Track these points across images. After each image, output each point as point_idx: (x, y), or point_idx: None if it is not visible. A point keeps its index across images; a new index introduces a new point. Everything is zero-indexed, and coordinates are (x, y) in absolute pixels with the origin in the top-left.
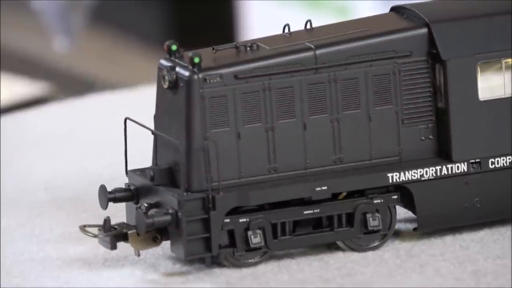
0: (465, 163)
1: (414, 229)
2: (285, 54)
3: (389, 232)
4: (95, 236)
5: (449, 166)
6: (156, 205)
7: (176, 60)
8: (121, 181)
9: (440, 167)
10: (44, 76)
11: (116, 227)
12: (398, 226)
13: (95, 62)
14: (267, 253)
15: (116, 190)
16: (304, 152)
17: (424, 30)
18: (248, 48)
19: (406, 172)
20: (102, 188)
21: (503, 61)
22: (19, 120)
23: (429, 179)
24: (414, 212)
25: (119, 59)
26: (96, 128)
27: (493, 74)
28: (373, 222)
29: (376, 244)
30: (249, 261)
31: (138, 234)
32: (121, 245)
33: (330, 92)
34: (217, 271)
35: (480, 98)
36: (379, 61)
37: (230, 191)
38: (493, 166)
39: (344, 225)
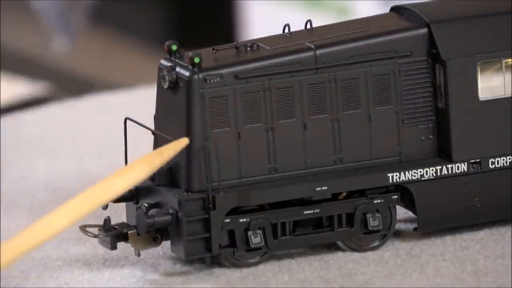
0: (465, 163)
1: (414, 229)
2: (285, 54)
3: (389, 232)
4: (95, 236)
5: (449, 166)
6: (156, 205)
7: (176, 60)
8: None
9: (440, 167)
10: (44, 76)
11: (116, 227)
12: (398, 226)
13: (95, 62)
14: (267, 253)
15: None
16: (304, 152)
17: (424, 30)
18: (248, 48)
19: (406, 172)
20: None
21: (503, 61)
22: (19, 120)
23: (429, 179)
24: (414, 212)
25: (119, 59)
26: (96, 128)
27: (493, 74)
28: (373, 222)
29: (376, 244)
30: (249, 261)
31: (138, 234)
32: (121, 245)
33: (330, 92)
34: (217, 271)
35: (480, 98)
36: (379, 61)
37: (230, 191)
38: (493, 166)
39: (344, 225)
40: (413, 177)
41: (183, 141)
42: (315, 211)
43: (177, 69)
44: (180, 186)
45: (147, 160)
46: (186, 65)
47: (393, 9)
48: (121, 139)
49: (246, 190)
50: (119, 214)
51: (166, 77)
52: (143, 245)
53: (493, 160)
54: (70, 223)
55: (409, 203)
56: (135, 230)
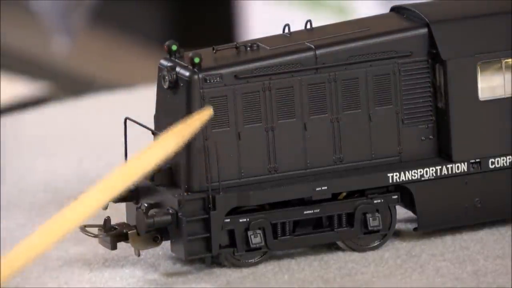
0: (465, 163)
1: (414, 229)
2: (285, 54)
3: (389, 232)
4: (95, 236)
5: (449, 166)
6: (156, 205)
7: (176, 60)
8: None
9: (440, 167)
10: (44, 76)
11: (116, 227)
12: (398, 226)
13: (95, 62)
14: (267, 253)
15: None
16: (304, 152)
17: (424, 30)
18: (248, 48)
19: (406, 172)
20: None
21: (503, 61)
22: (19, 120)
23: (429, 179)
24: (414, 212)
25: (119, 59)
26: (96, 128)
27: (493, 74)
28: (373, 222)
29: (376, 244)
30: (249, 261)
31: (138, 234)
32: (121, 245)
33: (330, 92)
34: (217, 271)
35: (480, 98)
36: (379, 61)
37: (230, 191)
38: (493, 166)
39: (344, 225)
40: (413, 177)
41: (208, 111)
42: (315, 211)
43: (177, 69)
44: (180, 186)
45: (176, 131)
46: (186, 65)
47: (393, 9)
48: (121, 139)
49: (246, 190)
50: (119, 214)
51: (166, 77)
52: (143, 245)
53: (493, 160)
54: (110, 197)
55: (409, 203)
56: (135, 230)
